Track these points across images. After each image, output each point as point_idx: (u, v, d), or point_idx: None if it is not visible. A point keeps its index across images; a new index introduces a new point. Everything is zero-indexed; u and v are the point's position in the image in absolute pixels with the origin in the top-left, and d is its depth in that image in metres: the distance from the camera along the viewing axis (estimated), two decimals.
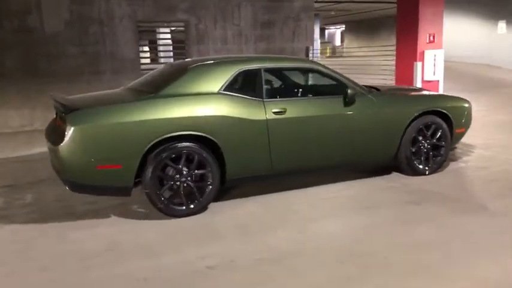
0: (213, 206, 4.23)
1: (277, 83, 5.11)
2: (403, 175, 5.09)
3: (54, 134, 4.00)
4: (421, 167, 5.02)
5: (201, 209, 4.10)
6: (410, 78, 8.52)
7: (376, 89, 5.09)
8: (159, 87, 4.14)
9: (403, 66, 8.79)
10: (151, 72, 5.01)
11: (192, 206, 4.04)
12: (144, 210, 4.25)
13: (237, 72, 4.26)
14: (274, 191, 4.64)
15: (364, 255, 3.26)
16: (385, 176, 5.10)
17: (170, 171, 3.99)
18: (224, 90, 4.17)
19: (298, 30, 11.03)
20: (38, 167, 5.96)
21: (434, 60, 8.45)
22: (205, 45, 10.24)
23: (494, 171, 5.24)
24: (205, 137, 3.99)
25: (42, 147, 7.01)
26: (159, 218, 4.01)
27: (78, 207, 4.38)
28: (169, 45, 12.77)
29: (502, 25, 15.23)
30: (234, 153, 4.12)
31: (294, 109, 4.35)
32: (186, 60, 4.90)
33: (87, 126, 3.69)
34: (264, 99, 4.27)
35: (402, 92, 5.31)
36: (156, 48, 11.13)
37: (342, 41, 34.23)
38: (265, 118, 4.19)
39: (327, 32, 42.07)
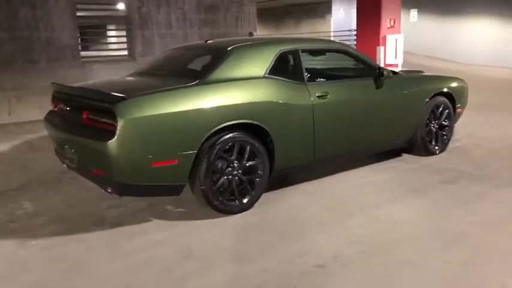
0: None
1: (312, 66, 4.84)
2: (414, 156, 5.13)
3: (87, 130, 3.38)
4: (432, 147, 5.12)
5: (252, 204, 3.76)
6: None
7: (393, 72, 5.06)
8: (199, 72, 3.69)
9: (365, 51, 8.91)
10: (161, 56, 4.48)
11: (244, 201, 3.68)
12: (184, 210, 3.79)
13: (278, 54, 3.94)
14: (304, 180, 4.42)
15: (458, 238, 3.18)
16: (398, 158, 5.11)
17: (219, 164, 3.58)
18: (269, 73, 3.84)
19: (241, 16, 10.77)
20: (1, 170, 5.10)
21: (396, 44, 8.73)
22: (150, 30, 9.56)
23: (491, 148, 5.50)
24: (256, 125, 3.65)
25: None
26: (208, 217, 3.60)
27: (103, 212, 3.78)
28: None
29: (413, 13, 16.19)
30: (282, 142, 3.81)
31: (335, 92, 4.14)
32: (209, 41, 4.44)
33: (143, 117, 3.14)
34: (306, 83, 4.02)
35: (414, 74, 5.35)
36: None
37: None
38: (311, 102, 3.94)
39: None
